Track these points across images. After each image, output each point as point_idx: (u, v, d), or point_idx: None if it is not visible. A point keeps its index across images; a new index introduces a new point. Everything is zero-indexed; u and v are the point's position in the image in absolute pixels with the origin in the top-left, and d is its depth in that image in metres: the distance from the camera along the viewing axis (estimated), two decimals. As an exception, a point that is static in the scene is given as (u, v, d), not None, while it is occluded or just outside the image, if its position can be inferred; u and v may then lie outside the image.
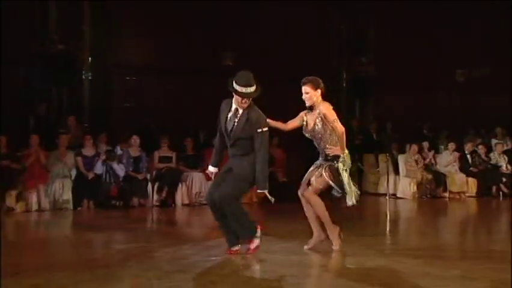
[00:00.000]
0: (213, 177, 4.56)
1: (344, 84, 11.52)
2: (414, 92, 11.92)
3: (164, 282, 3.47)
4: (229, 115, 4.32)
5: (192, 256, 4.31)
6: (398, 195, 9.59)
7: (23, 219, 7.18)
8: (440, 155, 10.24)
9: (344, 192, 4.36)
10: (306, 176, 4.50)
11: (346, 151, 4.40)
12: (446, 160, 9.99)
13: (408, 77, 11.62)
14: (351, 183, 4.39)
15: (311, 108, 4.44)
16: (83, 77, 9.83)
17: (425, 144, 10.13)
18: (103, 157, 8.24)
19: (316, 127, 4.38)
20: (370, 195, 9.97)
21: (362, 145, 10.59)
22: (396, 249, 4.82)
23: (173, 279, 3.55)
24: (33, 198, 7.68)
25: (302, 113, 4.52)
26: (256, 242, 4.29)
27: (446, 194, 9.78)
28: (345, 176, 4.34)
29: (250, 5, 10.44)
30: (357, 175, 10.19)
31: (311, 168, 4.49)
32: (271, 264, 3.98)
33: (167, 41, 10.19)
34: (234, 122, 4.28)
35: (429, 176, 9.75)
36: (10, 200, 7.52)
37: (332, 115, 4.33)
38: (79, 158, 8.16)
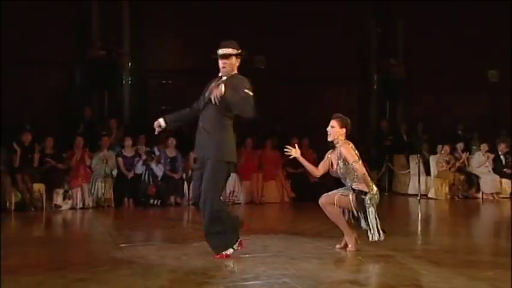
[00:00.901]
0: (156, 129, 4.33)
1: (375, 87, 11.37)
2: (445, 93, 11.64)
3: (201, 278, 3.51)
4: (212, 84, 4.09)
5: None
6: (430, 196, 9.38)
7: (69, 216, 7.41)
8: (472, 156, 9.95)
9: (368, 227, 4.27)
10: (332, 191, 4.46)
11: (375, 188, 4.33)
12: (479, 161, 9.70)
13: (438, 78, 11.37)
14: (378, 220, 4.28)
15: (333, 147, 4.42)
16: (123, 81, 10.03)
17: (460, 145, 9.87)
18: (143, 158, 8.41)
19: (339, 168, 4.36)
20: (400, 196, 9.79)
21: (392, 146, 10.43)
22: (428, 249, 4.71)
23: (209, 275, 3.59)
24: (78, 196, 7.90)
25: (327, 154, 4.52)
26: (230, 251, 4.03)
27: (479, 195, 9.50)
28: (372, 212, 4.26)
29: (281, 9, 10.43)
30: (387, 175, 10.05)
31: (340, 189, 4.44)
32: (303, 263, 3.97)
33: (200, 46, 10.27)
34: (215, 87, 3.99)
35: (462, 177, 9.50)
36: (57, 198, 7.76)
37: (352, 156, 4.27)
38: (120, 159, 8.35)
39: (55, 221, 7.03)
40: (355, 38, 11.35)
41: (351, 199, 4.29)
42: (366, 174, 4.29)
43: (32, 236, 5.97)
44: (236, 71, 4.19)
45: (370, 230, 4.26)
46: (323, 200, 4.45)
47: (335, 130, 4.36)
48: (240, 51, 4.17)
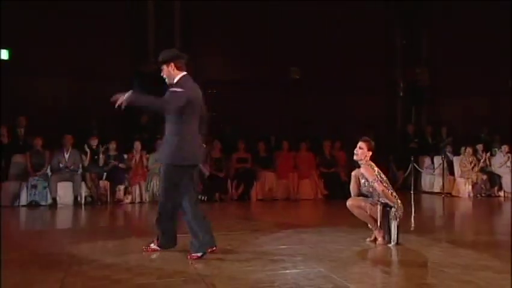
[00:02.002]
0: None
1: (401, 93, 11.13)
2: (467, 97, 11.27)
3: (244, 266, 3.54)
4: None
5: (264, 244, 4.36)
6: (454, 194, 9.09)
7: (129, 209, 7.63)
8: (494, 156, 9.59)
9: (388, 235, 4.24)
10: (360, 197, 4.40)
11: (399, 202, 4.26)
12: (500, 161, 9.34)
13: (460, 84, 11.02)
14: (397, 231, 4.23)
15: (358, 166, 4.39)
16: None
17: (480, 146, 9.54)
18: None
19: (364, 186, 4.36)
20: (426, 194, 9.53)
21: (417, 148, 10.18)
22: (453, 243, 4.56)
23: (251, 263, 3.62)
24: (137, 192, 8.12)
25: (352, 173, 4.50)
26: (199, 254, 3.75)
27: (501, 194, 9.12)
28: (394, 226, 4.21)
29: (314, 24, 10.39)
30: (413, 175, 9.79)
31: (369, 199, 4.36)
32: (336, 254, 3.93)
33: (243, 58, 10.40)
34: None
35: (484, 177, 9.16)
36: (119, 194, 8.01)
37: (371, 175, 4.25)
38: (172, 159, 8.50)
39: (118, 214, 7.27)
40: (382, 49, 11.16)
41: (379, 209, 4.24)
42: (386, 190, 4.22)
43: (99, 226, 6.20)
44: (177, 77, 3.86)
45: (389, 237, 4.23)
46: (351, 202, 4.40)
47: (363, 151, 4.34)
48: (167, 59, 3.84)
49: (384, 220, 4.25)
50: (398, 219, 4.23)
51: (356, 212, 4.38)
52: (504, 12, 10.55)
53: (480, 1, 10.62)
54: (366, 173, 4.27)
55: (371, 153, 4.35)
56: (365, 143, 4.36)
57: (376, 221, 4.31)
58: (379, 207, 4.24)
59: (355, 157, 4.36)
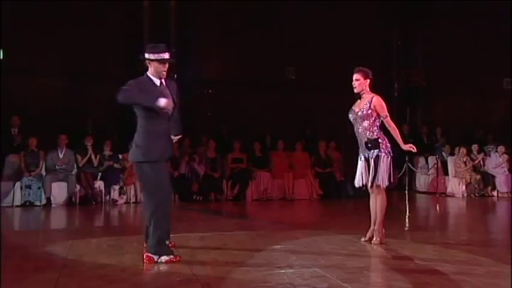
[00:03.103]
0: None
1: (396, 94, 11.17)
2: (462, 98, 11.35)
3: (239, 266, 3.54)
4: (158, 90, 3.58)
5: (259, 244, 4.35)
6: (448, 194, 9.14)
7: (124, 209, 7.61)
8: (489, 157, 9.64)
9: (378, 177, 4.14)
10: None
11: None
12: (495, 162, 9.40)
13: (455, 85, 11.08)
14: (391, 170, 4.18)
15: (359, 97, 4.29)
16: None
17: (475, 146, 9.59)
18: (186, 158, 8.53)
19: (360, 113, 4.20)
20: (421, 194, 9.57)
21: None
22: (447, 242, 4.58)
23: (246, 263, 3.61)
24: (131, 192, 8.10)
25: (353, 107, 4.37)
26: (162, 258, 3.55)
27: (495, 193, 9.18)
28: (385, 163, 4.15)
29: (310, 24, 10.41)
30: (408, 175, 9.82)
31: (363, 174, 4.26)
32: (331, 254, 3.94)
33: (238, 58, 10.39)
34: (169, 95, 3.59)
35: (478, 177, 9.22)
36: (114, 193, 7.98)
37: (384, 108, 4.17)
38: (167, 159, 8.48)
39: (113, 214, 7.24)
40: (377, 49, 11.19)
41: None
42: (394, 126, 4.15)
43: (93, 226, 6.18)
44: (149, 72, 3.67)
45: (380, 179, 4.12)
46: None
47: (360, 82, 4.24)
48: (147, 57, 3.65)
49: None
50: (388, 156, 4.13)
51: (371, 200, 4.29)
52: (499, 14, 10.62)
53: (475, 2, 10.69)
54: (379, 105, 4.11)
55: (368, 80, 4.24)
56: (359, 72, 4.24)
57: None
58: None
59: (355, 90, 4.24)
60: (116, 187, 7.97)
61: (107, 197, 7.92)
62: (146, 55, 3.67)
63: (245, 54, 10.29)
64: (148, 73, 3.71)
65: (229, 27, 10.15)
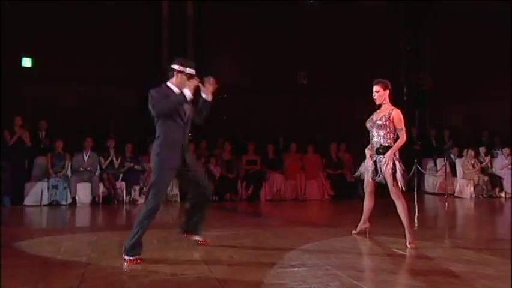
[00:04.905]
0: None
1: (405, 98, 11.07)
2: (469, 102, 11.19)
3: (254, 264, 3.54)
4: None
5: (273, 242, 4.35)
6: (456, 195, 9.00)
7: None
8: (495, 159, 9.48)
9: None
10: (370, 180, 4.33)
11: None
12: (502, 164, 9.24)
13: (462, 89, 10.94)
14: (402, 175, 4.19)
15: (379, 107, 4.28)
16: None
17: (482, 149, 9.45)
18: (203, 160, 8.58)
19: (378, 122, 4.20)
20: (429, 195, 9.44)
21: (421, 150, 10.10)
22: (456, 242, 4.52)
23: (261, 261, 3.62)
24: (151, 193, 8.15)
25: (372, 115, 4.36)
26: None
27: (502, 194, 9.02)
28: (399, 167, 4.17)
29: (322, 31, 10.39)
30: (417, 177, 9.69)
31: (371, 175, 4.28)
32: (343, 253, 3.92)
33: (253, 64, 10.43)
34: (188, 107, 3.76)
35: (486, 178, 9.07)
36: (134, 193, 8.07)
37: (401, 122, 4.18)
38: (184, 161, 8.54)
39: (133, 213, 7.31)
40: (387, 54, 11.11)
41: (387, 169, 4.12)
42: (406, 140, 4.16)
43: (116, 225, 6.25)
44: (170, 82, 3.83)
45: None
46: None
47: (380, 93, 4.23)
48: (177, 68, 3.79)
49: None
50: (398, 161, 4.13)
51: (365, 199, 4.37)
52: (506, 19, 10.46)
53: (483, 8, 10.54)
54: (397, 118, 4.13)
55: (388, 91, 4.25)
56: (379, 84, 4.24)
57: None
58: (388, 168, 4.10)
59: (377, 102, 4.24)
60: (137, 187, 8.05)
61: (128, 197, 8.00)
62: (176, 66, 3.81)
63: (259, 60, 10.32)
64: (169, 83, 3.82)
65: (245, 34, 10.19)
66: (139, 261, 3.55)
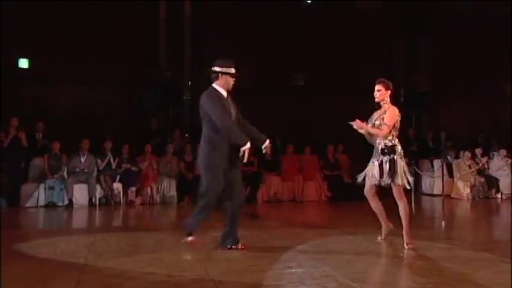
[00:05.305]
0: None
1: (402, 99, 11.10)
2: (466, 103, 11.23)
3: (251, 266, 3.54)
4: (228, 102, 3.95)
5: (270, 244, 4.35)
6: (453, 196, 9.03)
7: (140, 210, 7.66)
8: (492, 160, 9.52)
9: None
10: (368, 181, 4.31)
11: (398, 146, 4.22)
12: (498, 165, 9.28)
13: (460, 91, 10.98)
14: (406, 172, 4.17)
15: (379, 106, 4.30)
16: (184, 97, 10.27)
17: (478, 150, 9.48)
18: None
19: (378, 121, 4.23)
20: (426, 196, 9.46)
21: (418, 151, 10.12)
22: (453, 242, 4.53)
23: (257, 263, 3.61)
24: (148, 194, 8.15)
25: (372, 115, 4.37)
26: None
27: (499, 196, 9.06)
28: (401, 168, 4.14)
29: (319, 32, 10.40)
30: (414, 178, 9.72)
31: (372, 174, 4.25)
32: (340, 254, 3.92)
33: (250, 65, 10.38)
34: (233, 106, 3.96)
35: (482, 179, 9.11)
36: (131, 195, 8.04)
37: (391, 119, 4.16)
38: (182, 163, 8.54)
39: (130, 214, 7.30)
40: (384, 56, 11.14)
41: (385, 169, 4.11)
42: (385, 134, 4.13)
43: (113, 226, 6.23)
44: (216, 84, 4.03)
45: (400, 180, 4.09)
46: (368, 191, 4.28)
47: (381, 92, 4.26)
48: (220, 70, 3.97)
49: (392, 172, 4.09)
50: (402, 160, 4.13)
51: (372, 203, 4.31)
52: (503, 21, 10.52)
53: (480, 9, 10.59)
54: (390, 115, 4.14)
55: (389, 92, 4.27)
56: (381, 84, 4.27)
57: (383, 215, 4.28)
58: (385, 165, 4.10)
59: (377, 100, 4.27)
60: (134, 189, 8.03)
61: (125, 198, 7.98)
62: (219, 68, 3.96)
63: (257, 60, 10.32)
64: (215, 85, 3.97)
65: (243, 35, 10.18)
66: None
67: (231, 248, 3.99)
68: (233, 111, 3.98)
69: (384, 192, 4.38)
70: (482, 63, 10.81)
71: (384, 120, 4.18)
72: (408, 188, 4.19)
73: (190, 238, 3.86)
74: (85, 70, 9.29)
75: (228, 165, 3.87)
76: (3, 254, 3.79)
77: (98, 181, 7.90)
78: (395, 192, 4.17)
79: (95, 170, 8.00)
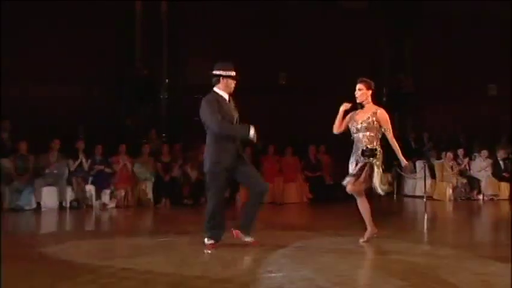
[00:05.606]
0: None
1: (384, 99, 11.27)
2: (449, 104, 11.49)
3: (230, 269, 3.52)
4: (229, 105, 4.12)
5: (248, 248, 4.31)
6: (435, 198, 9.22)
7: (114, 213, 7.54)
8: (473, 161, 9.76)
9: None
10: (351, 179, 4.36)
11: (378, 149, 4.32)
12: (480, 166, 9.52)
13: (443, 91, 11.23)
14: (382, 178, 4.29)
15: (361, 106, 4.34)
16: (161, 96, 10.18)
17: (460, 151, 9.71)
18: (180, 162, 8.50)
19: (364, 124, 4.26)
20: (408, 197, 9.63)
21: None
22: (434, 245, 4.62)
23: (237, 266, 3.60)
24: (123, 196, 8.02)
25: (349, 114, 4.40)
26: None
27: (480, 197, 9.30)
28: (377, 173, 4.26)
29: (302, 31, 10.47)
30: (396, 179, 9.91)
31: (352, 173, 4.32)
32: (321, 257, 3.94)
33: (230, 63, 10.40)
34: (234, 109, 4.18)
35: (464, 181, 9.33)
36: (105, 197, 7.90)
37: (388, 123, 4.29)
38: (158, 163, 8.45)
39: (103, 218, 7.17)
40: (367, 55, 11.29)
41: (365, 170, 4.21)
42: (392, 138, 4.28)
43: (84, 230, 6.11)
44: (218, 88, 4.23)
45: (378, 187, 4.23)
46: (352, 188, 4.30)
47: (363, 92, 4.30)
48: (221, 73, 4.16)
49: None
50: (380, 167, 4.23)
51: (359, 203, 4.35)
52: (487, 22, 10.81)
53: (465, 10, 10.85)
54: (387, 119, 4.23)
55: (371, 91, 4.31)
56: (363, 83, 4.31)
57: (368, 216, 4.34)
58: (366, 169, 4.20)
59: (358, 100, 4.30)
60: (107, 191, 7.90)
61: (98, 201, 7.84)
62: (219, 72, 4.09)
63: (236, 60, 10.31)
64: (216, 89, 4.10)
65: (220, 34, 10.15)
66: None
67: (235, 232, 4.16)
68: (235, 114, 4.14)
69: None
70: (466, 63, 11.09)
71: (384, 127, 4.26)
72: (382, 194, 4.27)
73: (207, 241, 4.11)
74: (57, 69, 9.09)
75: (236, 163, 4.05)
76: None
77: (69, 183, 7.73)
78: (354, 188, 4.25)
79: (66, 171, 7.82)
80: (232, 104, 4.15)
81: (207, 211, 4.17)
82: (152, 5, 9.95)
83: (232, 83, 4.08)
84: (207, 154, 4.07)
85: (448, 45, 11.13)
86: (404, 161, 4.39)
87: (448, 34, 11.11)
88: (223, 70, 4.07)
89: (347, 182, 4.30)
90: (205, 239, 4.14)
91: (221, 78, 4.06)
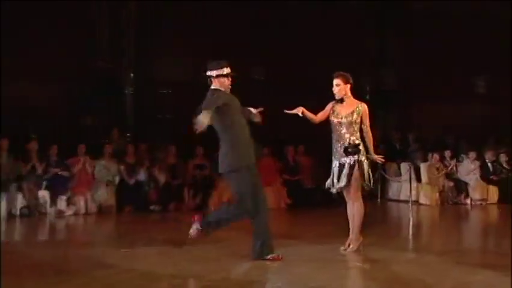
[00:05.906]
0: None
1: (367, 97, 11.42)
2: (436, 103, 11.72)
3: (199, 283, 3.48)
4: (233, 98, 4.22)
5: (222, 258, 4.32)
6: (421, 202, 9.37)
7: (72, 221, 7.36)
8: (461, 163, 9.96)
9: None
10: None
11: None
12: (467, 168, 9.72)
13: (429, 89, 11.45)
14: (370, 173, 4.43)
15: (341, 101, 4.39)
16: (126, 91, 10.03)
17: (447, 153, 9.87)
18: (146, 164, 8.39)
19: (348, 118, 4.34)
20: (393, 202, 9.78)
21: (384, 154, 10.40)
22: (419, 252, 4.70)
23: (207, 279, 3.57)
24: (81, 203, 7.84)
25: (330, 104, 4.48)
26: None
27: (468, 201, 9.49)
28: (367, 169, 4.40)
29: (281, 25, 10.51)
30: (380, 182, 10.04)
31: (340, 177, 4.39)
32: (298, 267, 3.95)
33: (200, 58, 10.32)
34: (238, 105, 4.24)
35: (451, 184, 9.50)
36: (61, 204, 7.71)
37: (367, 119, 4.41)
38: (122, 166, 8.32)
39: (58, 226, 6.99)
40: (350, 51, 11.43)
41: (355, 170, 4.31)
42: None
43: (36, 240, 5.94)
44: (214, 87, 4.27)
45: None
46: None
47: (341, 87, 4.38)
48: (213, 74, 4.22)
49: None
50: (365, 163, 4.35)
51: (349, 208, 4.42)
52: (473, 19, 11.09)
53: (450, 7, 11.12)
54: (367, 113, 4.37)
55: (349, 85, 4.39)
56: (339, 77, 4.39)
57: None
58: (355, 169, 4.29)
59: (337, 96, 4.38)
60: (64, 197, 7.71)
61: (54, 208, 7.63)
62: (210, 72, 4.13)
63: (209, 53, 10.27)
64: (213, 87, 4.15)
65: (190, 31, 10.10)
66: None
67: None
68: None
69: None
70: (452, 60, 11.36)
71: (365, 122, 4.39)
72: (367, 189, 4.35)
73: (194, 229, 4.09)
74: (6, 62, 8.83)
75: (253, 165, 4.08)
76: None
77: (19, 189, 7.50)
78: (352, 193, 4.27)
79: (16, 175, 7.57)
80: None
81: (256, 231, 4.01)
82: (118, 4, 9.86)
83: (225, 81, 4.14)
84: (226, 150, 4.07)
85: (435, 41, 11.37)
86: (374, 155, 4.47)
87: (435, 30, 11.35)
88: (214, 70, 4.13)
89: (341, 188, 4.31)
90: (269, 256, 4.01)
91: (213, 78, 4.14)
